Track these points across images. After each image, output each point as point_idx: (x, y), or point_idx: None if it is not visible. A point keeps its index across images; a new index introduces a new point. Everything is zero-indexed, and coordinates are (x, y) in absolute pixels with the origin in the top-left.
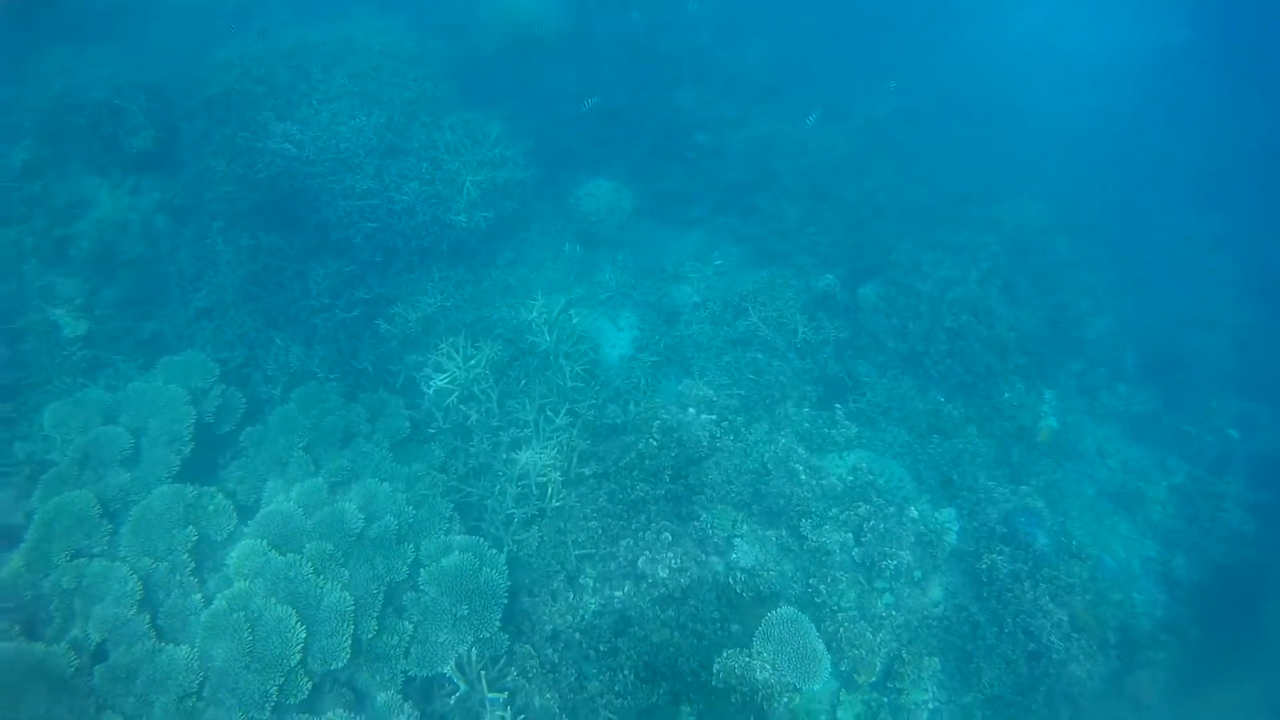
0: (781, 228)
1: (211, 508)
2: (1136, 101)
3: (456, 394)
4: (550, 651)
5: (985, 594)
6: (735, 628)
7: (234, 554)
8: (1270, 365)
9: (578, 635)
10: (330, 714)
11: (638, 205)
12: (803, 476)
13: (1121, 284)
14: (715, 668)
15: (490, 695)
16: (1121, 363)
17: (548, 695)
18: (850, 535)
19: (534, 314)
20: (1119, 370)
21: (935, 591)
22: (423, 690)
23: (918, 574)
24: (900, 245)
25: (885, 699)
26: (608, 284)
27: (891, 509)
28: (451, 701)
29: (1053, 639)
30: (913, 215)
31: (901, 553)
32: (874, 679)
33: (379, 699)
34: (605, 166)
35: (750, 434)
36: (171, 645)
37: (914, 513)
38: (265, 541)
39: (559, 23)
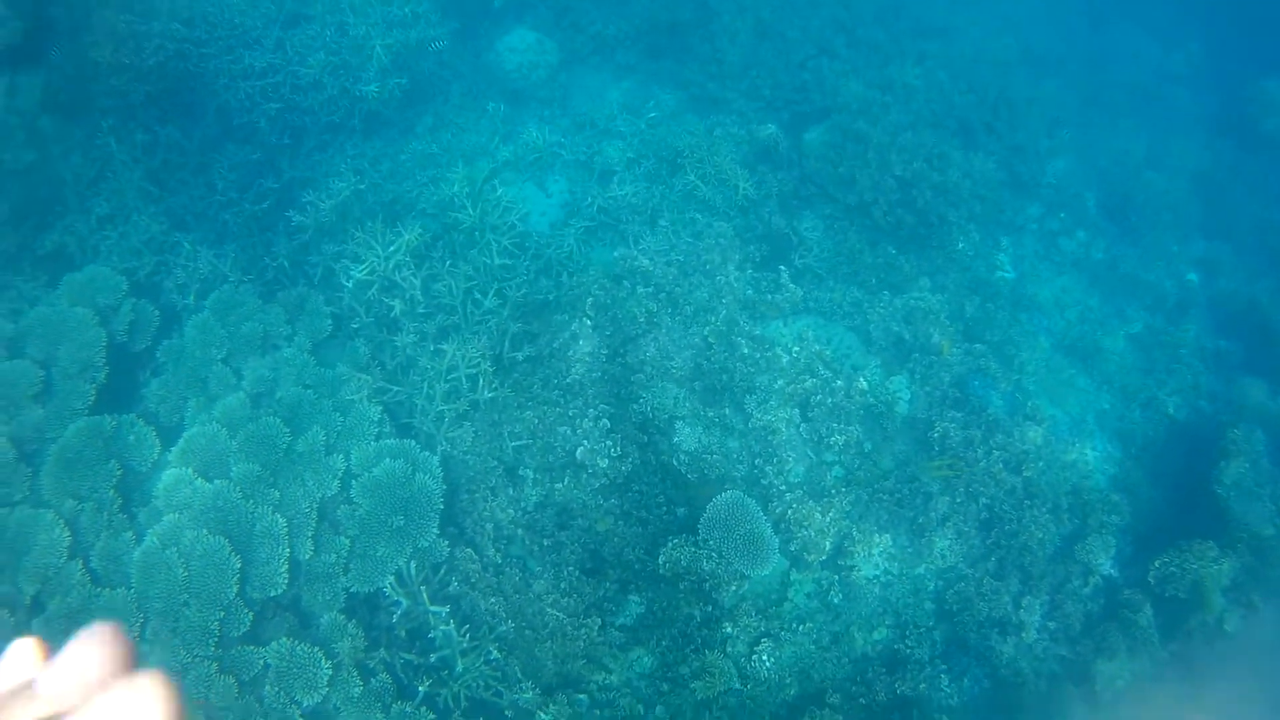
0: (721, 71)
1: (132, 438)
2: None
3: (377, 284)
4: (493, 552)
5: (941, 461)
6: (681, 511)
7: (160, 485)
8: (1232, 205)
9: (520, 531)
10: (275, 643)
11: (565, 54)
12: (745, 350)
13: (1082, 122)
14: (661, 558)
15: (433, 609)
16: (1081, 207)
17: (492, 599)
18: (797, 411)
19: (456, 187)
20: (1079, 215)
21: (886, 463)
22: (368, 606)
23: (868, 446)
24: (848, 86)
25: (836, 576)
26: (535, 144)
27: (840, 381)
28: (395, 617)
29: (1005, 507)
30: (863, 53)
31: (851, 427)
32: (824, 557)
33: (323, 621)
34: (529, 12)
35: (689, 304)
36: (108, 589)
37: (863, 384)
38: (191, 469)
39: None
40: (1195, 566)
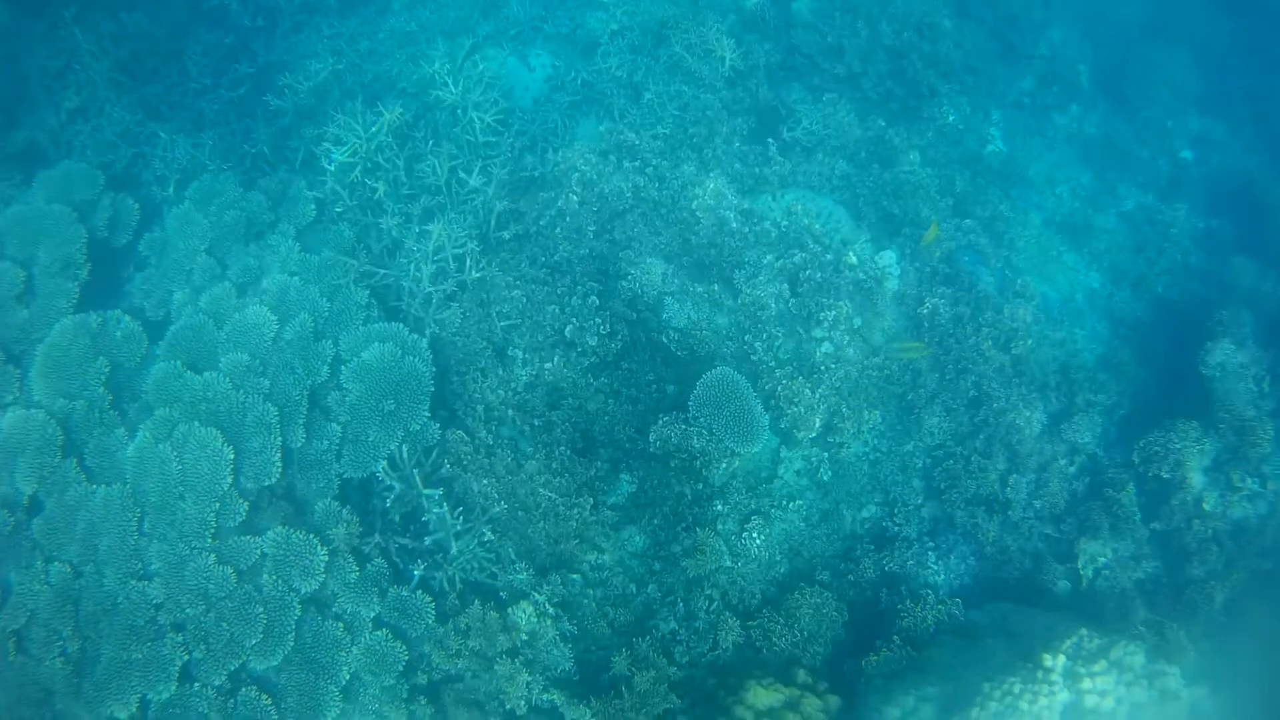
0: None
1: (119, 334)
2: None
3: (360, 167)
4: (484, 434)
5: (928, 339)
6: (672, 389)
7: (149, 379)
8: (1231, 79)
9: (510, 412)
10: (271, 532)
11: None
12: (733, 224)
13: None
14: (652, 436)
15: (426, 492)
16: (1075, 79)
17: (485, 481)
18: (786, 285)
19: (436, 64)
20: (1072, 88)
21: (876, 338)
22: (361, 491)
23: (858, 322)
24: None
25: (825, 453)
26: (516, 17)
27: (829, 256)
28: (389, 502)
29: (993, 385)
30: None
31: (840, 302)
32: (813, 434)
33: (317, 508)
34: None
35: (676, 179)
36: (104, 486)
37: (853, 258)
38: (179, 362)
39: None
40: (1178, 446)
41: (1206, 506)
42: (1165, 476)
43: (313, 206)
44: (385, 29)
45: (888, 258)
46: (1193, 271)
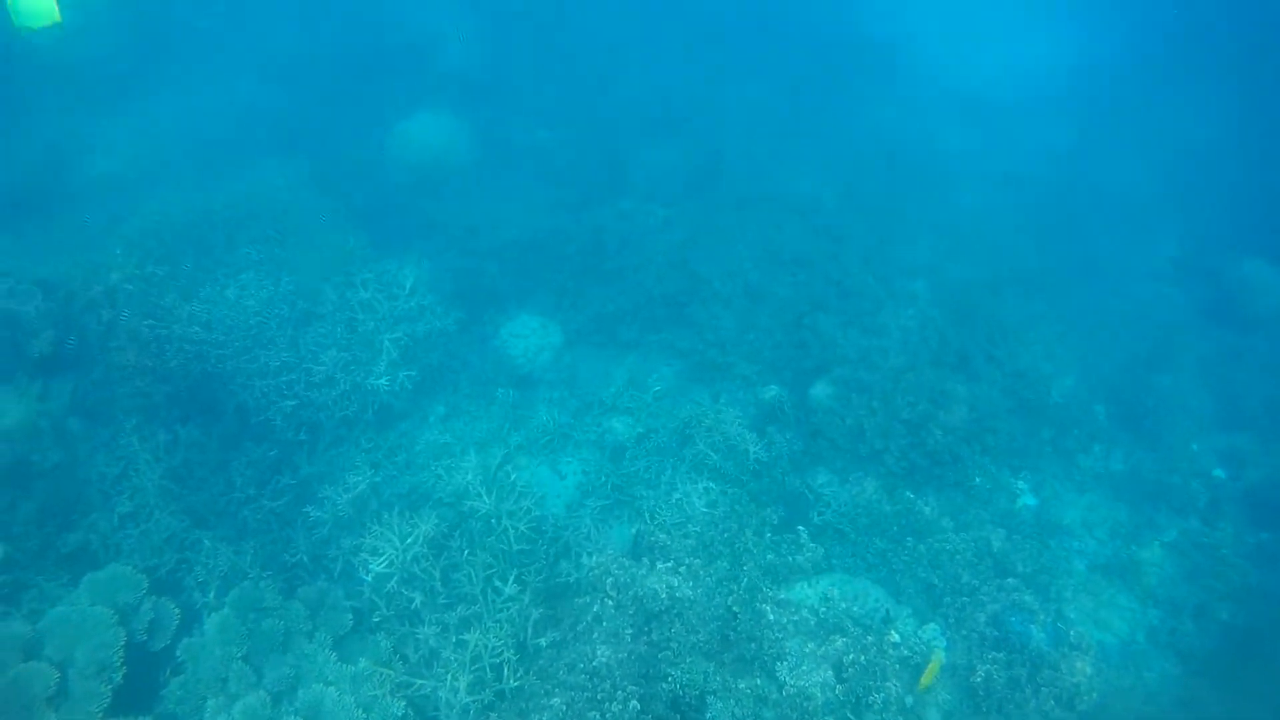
0: (719, 338)
1: None
2: (1070, 129)
3: (396, 577)
4: None
5: (985, 708)
6: None
7: None
8: (1243, 393)
9: None
10: None
11: (568, 336)
12: (770, 616)
13: (1078, 335)
14: None
15: None
16: (1093, 421)
17: None
18: (831, 672)
19: (470, 475)
20: (1092, 429)
21: (932, 716)
22: None
23: (909, 700)
24: (845, 337)
25: None
26: (545, 427)
27: (871, 637)
28: None
29: None
30: (855, 302)
31: (888, 683)
32: None
33: None
34: (531, 299)
35: (710, 576)
36: None
37: (895, 636)
38: None
39: (469, 150)
40: None
41: None
42: None
43: (350, 616)
44: (421, 441)
45: (932, 630)
46: (1255, 591)
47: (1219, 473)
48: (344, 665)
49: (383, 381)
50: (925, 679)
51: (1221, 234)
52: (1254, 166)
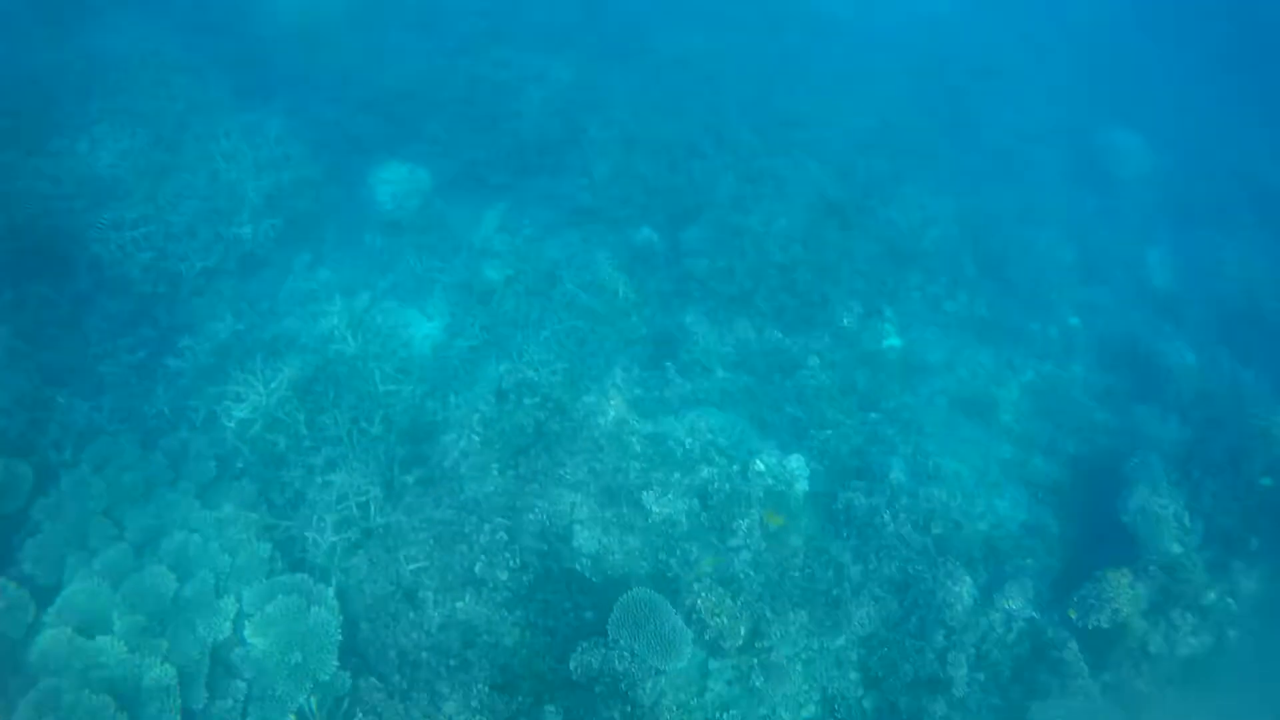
0: (592, 183)
1: (2, 604)
2: None
3: (260, 423)
4: (398, 679)
5: (845, 534)
6: (589, 614)
7: (35, 649)
8: (1101, 250)
9: (425, 654)
10: None
11: (439, 182)
12: (637, 448)
13: (950, 189)
14: (572, 664)
15: None
16: (960, 269)
17: None
18: (697, 501)
19: (335, 320)
20: (959, 277)
21: (794, 540)
22: None
23: (772, 526)
24: (720, 183)
25: (755, 660)
26: (413, 271)
27: (736, 467)
28: None
29: (919, 568)
30: (731, 149)
31: (752, 510)
32: (740, 642)
33: None
34: (403, 147)
35: (577, 410)
36: None
37: (760, 466)
38: (70, 628)
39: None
40: (1112, 595)
41: (1151, 649)
42: (1105, 627)
43: (213, 464)
44: (287, 289)
45: (796, 461)
46: (1098, 427)
47: (1074, 320)
48: (208, 512)
49: (246, 230)
50: (771, 519)
51: (1091, 103)
52: (1123, 39)
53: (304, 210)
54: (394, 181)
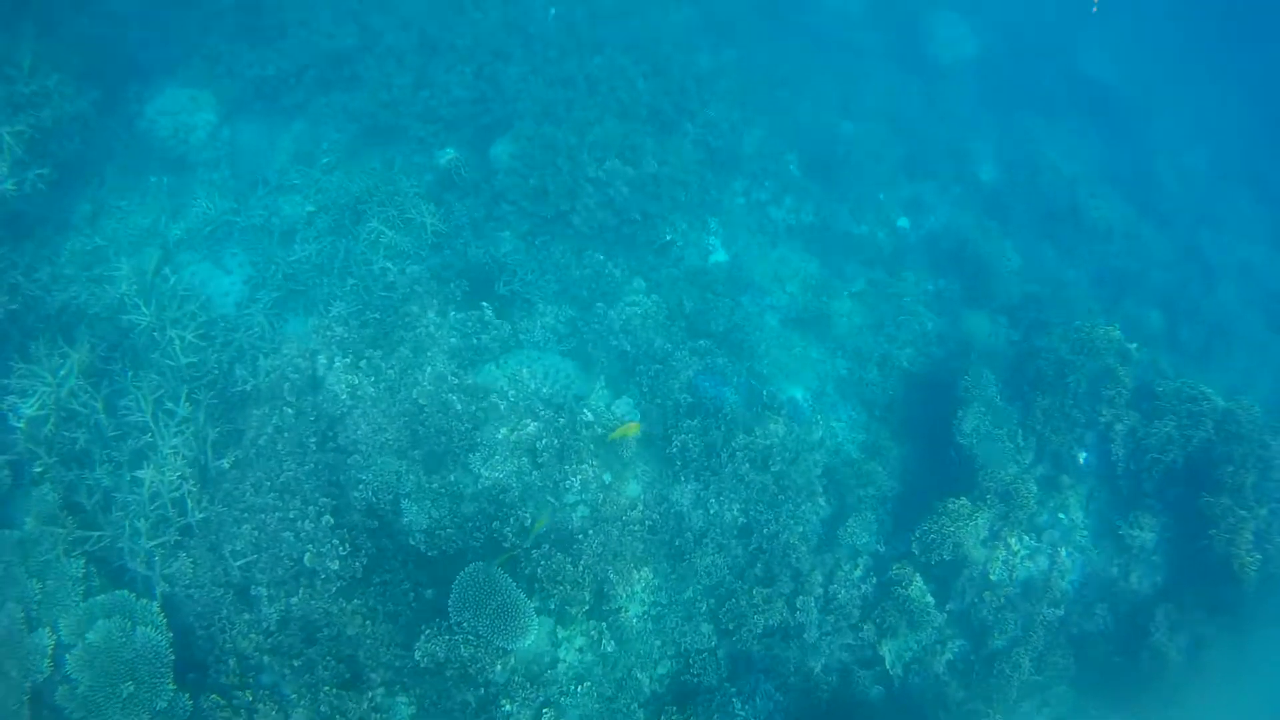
0: (392, 97)
1: None
2: None
3: (54, 418)
4: (242, 691)
5: (683, 477)
6: (430, 593)
7: None
8: (927, 140)
9: (266, 657)
10: None
11: (225, 107)
12: (458, 406)
13: (770, 82)
14: (417, 654)
15: None
16: (785, 172)
17: None
18: (526, 459)
19: (124, 285)
20: (784, 180)
21: (632, 489)
22: None
23: (608, 477)
24: (528, 89)
25: (604, 623)
26: (207, 215)
27: (563, 418)
28: None
29: (760, 509)
30: (538, 50)
31: (584, 465)
32: (587, 607)
33: None
34: (180, 68)
35: (392, 368)
36: None
37: (589, 415)
38: None
39: None
40: (952, 528)
41: (992, 577)
42: (947, 559)
43: (7, 472)
44: (66, 251)
45: (624, 404)
46: (931, 336)
47: (903, 222)
48: (7, 532)
49: (8, 185)
50: (617, 434)
51: None
52: None
53: (76, 154)
54: (175, 111)
